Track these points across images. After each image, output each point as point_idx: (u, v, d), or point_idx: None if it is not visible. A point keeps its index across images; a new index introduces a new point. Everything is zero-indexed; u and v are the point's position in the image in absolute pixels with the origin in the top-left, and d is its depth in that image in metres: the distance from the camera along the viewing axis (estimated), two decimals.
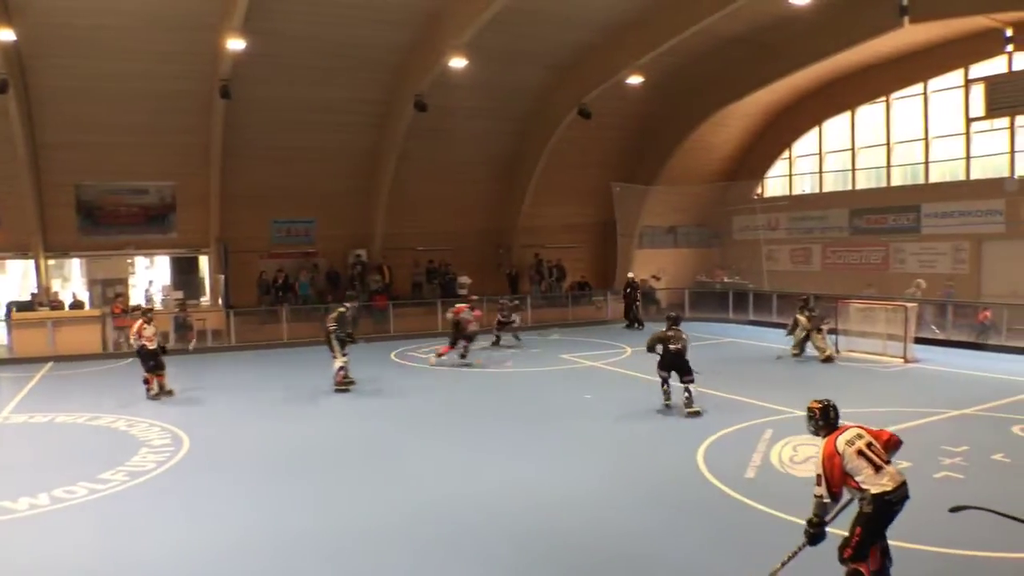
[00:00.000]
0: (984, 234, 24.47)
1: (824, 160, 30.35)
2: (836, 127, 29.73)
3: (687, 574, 7.14)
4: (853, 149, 29.12)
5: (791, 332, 19.80)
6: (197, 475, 10.40)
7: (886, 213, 27.52)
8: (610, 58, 24.53)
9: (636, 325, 26.48)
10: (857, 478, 6.01)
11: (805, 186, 31.21)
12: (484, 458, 11.03)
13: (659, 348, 13.89)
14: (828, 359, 18.77)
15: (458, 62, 21.91)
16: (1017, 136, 23.88)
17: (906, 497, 6.01)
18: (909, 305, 19.39)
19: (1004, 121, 24.11)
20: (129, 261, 26.38)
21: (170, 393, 15.93)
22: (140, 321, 16.09)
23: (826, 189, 30.29)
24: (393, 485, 9.78)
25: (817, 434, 6.51)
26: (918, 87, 26.49)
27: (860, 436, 6.23)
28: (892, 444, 6.36)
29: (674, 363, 13.73)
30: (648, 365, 18.19)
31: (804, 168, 31.27)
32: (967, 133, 25.21)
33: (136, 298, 25.25)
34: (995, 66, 23.95)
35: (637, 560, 7.36)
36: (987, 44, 23.01)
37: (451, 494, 9.33)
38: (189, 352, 17.02)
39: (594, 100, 25.57)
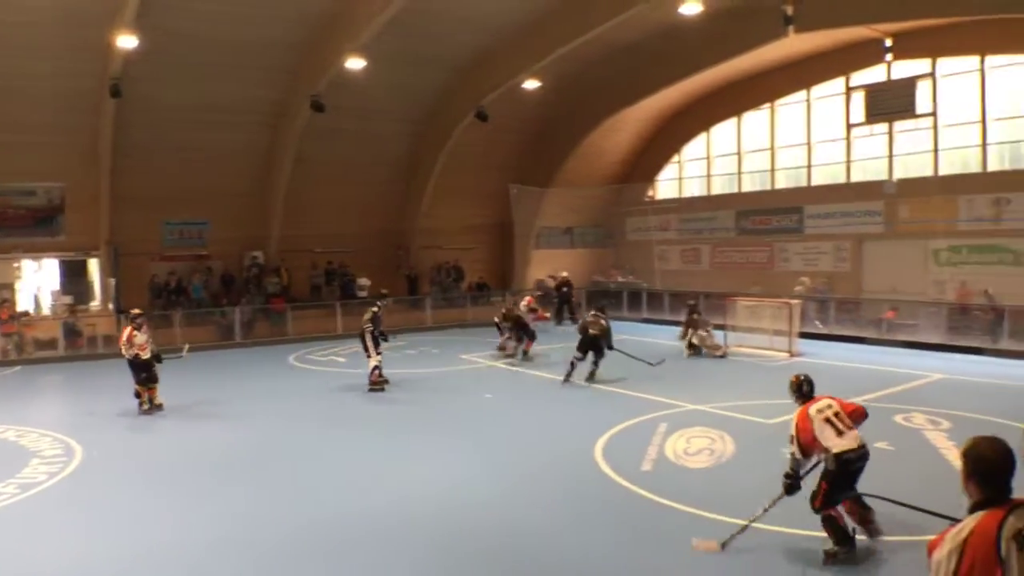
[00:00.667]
0: (864, 234, 25.69)
1: (712, 164, 31.33)
2: (724, 132, 30.73)
3: (590, 569, 7.26)
4: (740, 153, 30.16)
5: (684, 337, 20.46)
6: (90, 486, 10.06)
7: (771, 214, 28.61)
8: (508, 62, 24.82)
9: (570, 321, 26.97)
10: (823, 441, 7.14)
11: (694, 189, 32.14)
12: (385, 462, 10.98)
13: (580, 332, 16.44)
14: (722, 355, 19.47)
15: (356, 63, 21.81)
16: (895, 141, 25.17)
17: (865, 457, 7.24)
18: (793, 302, 20.25)
19: (883, 126, 25.38)
20: (16, 265, 25.23)
21: (159, 407, 14.55)
22: (129, 328, 14.62)
23: (714, 192, 31.28)
24: (292, 492, 9.62)
25: (796, 403, 7.67)
26: (802, 94, 27.65)
27: (830, 407, 7.40)
28: (858, 415, 7.56)
29: (591, 345, 16.19)
30: (545, 364, 18.62)
31: (693, 171, 32.19)
32: (848, 138, 26.43)
33: (24, 303, 24.24)
34: (875, 74, 25.21)
35: (542, 558, 7.46)
36: (868, 53, 24.12)
37: (350, 500, 9.25)
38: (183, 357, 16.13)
39: (492, 103, 25.81)
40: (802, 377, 7.84)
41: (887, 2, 21.08)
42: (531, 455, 11.01)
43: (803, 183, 28.00)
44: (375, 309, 16.62)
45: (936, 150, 24.06)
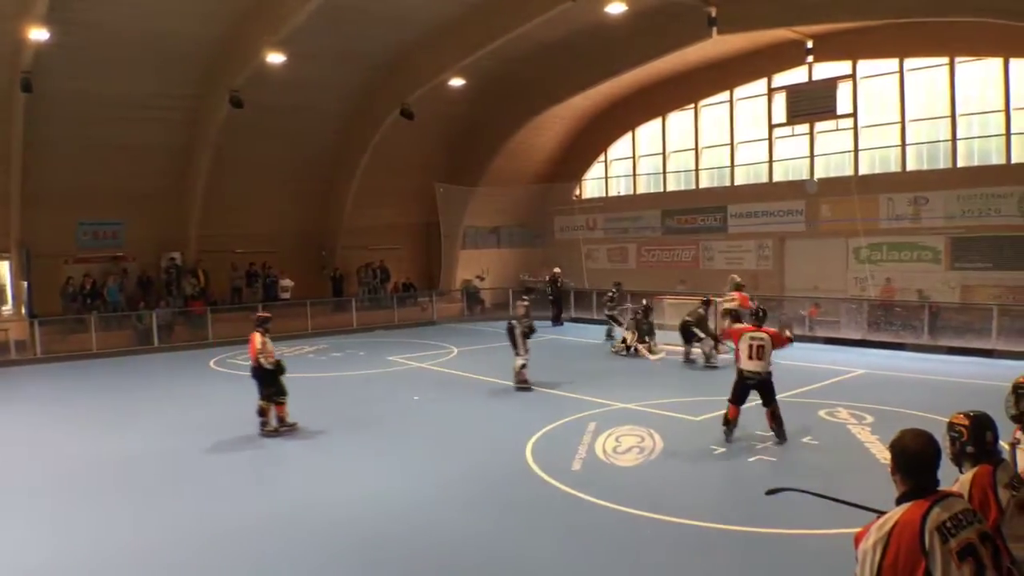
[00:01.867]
0: (786, 232, 26.15)
1: (638, 163, 31.55)
2: (649, 132, 30.97)
3: (521, 570, 7.16)
4: (664, 153, 30.42)
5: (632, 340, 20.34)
6: None
7: (695, 213, 28.92)
8: (432, 59, 24.53)
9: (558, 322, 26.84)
10: (739, 354, 11.07)
11: (620, 188, 32.34)
12: (309, 468, 10.69)
13: None
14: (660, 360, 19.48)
15: (276, 58, 21.31)
16: (816, 141, 25.64)
17: (758, 381, 10.84)
18: (718, 299, 20.36)
19: (804, 127, 25.85)
20: None
21: (293, 427, 12.48)
22: (257, 333, 12.43)
23: (640, 191, 31.52)
24: (208, 502, 9.25)
25: (749, 318, 11.88)
26: (725, 95, 28.01)
27: (761, 339, 10.92)
28: (780, 342, 11.09)
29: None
30: (474, 365, 18.44)
31: (619, 171, 32.40)
32: (770, 138, 26.86)
33: None
34: (796, 76, 25.70)
35: (472, 561, 7.33)
36: (789, 55, 24.52)
37: (270, 508, 8.93)
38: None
39: (417, 101, 25.50)
40: (762, 309, 11.93)
41: (808, 5, 21.49)
42: (460, 457, 10.83)
43: (727, 183, 28.37)
44: (526, 303, 16.36)
45: (856, 150, 24.63)
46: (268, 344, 12.39)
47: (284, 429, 12.35)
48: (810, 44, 23.52)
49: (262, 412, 12.32)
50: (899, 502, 3.26)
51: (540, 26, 22.07)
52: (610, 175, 32.65)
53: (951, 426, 4.09)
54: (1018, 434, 5.05)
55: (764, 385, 10.86)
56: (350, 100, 26.56)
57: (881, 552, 3.12)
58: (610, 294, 22.59)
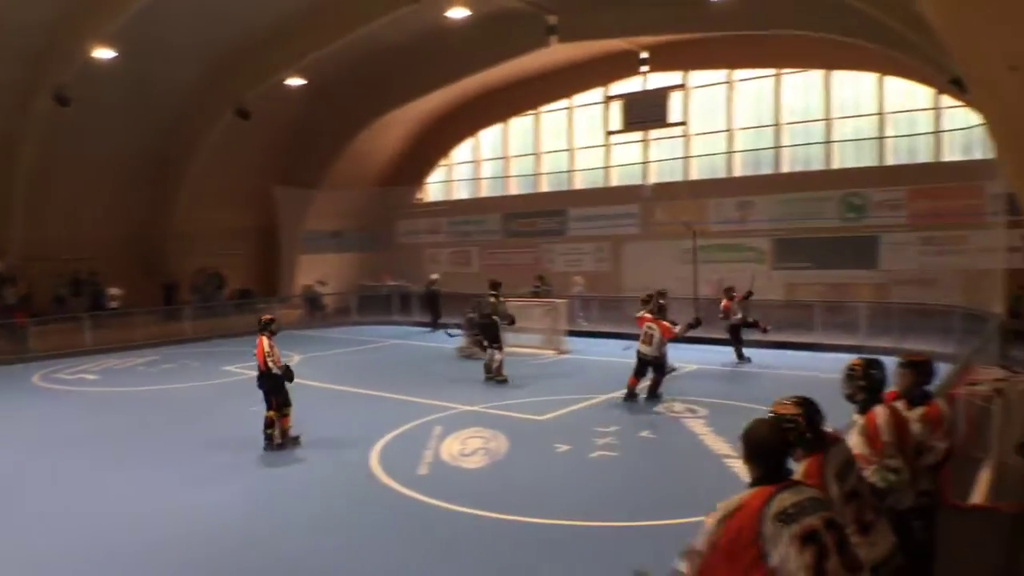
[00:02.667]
0: (623, 235, 27.05)
1: (480, 167, 31.85)
2: (491, 136, 31.36)
3: (361, 574, 7.10)
4: (506, 157, 30.87)
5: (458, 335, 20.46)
6: None
7: (536, 217, 29.47)
8: (270, 58, 23.97)
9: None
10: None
11: (463, 192, 32.55)
12: (145, 484, 10.09)
13: None
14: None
15: (104, 53, 20.32)
16: (650, 148, 26.64)
17: (651, 360, 13.46)
18: (558, 301, 20.85)
19: (639, 134, 26.82)
20: None
21: (297, 440, 11.57)
22: (264, 336, 11.57)
23: (482, 195, 31.86)
24: (24, 524, 8.69)
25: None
26: (564, 101, 28.72)
27: (649, 327, 13.50)
28: (666, 334, 13.33)
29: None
30: (317, 372, 18.03)
31: (462, 175, 32.61)
32: (607, 144, 27.73)
33: None
34: (631, 85, 26.68)
35: (321, 572, 7.20)
36: (625, 65, 25.26)
37: (92, 529, 8.40)
38: None
39: (254, 100, 24.85)
40: (661, 304, 14.09)
41: (643, 17, 22.24)
42: (304, 468, 10.56)
43: (565, 187, 29.05)
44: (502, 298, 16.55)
45: (687, 157, 25.76)
46: (275, 349, 11.56)
47: (289, 441, 11.50)
48: (644, 55, 24.32)
49: (269, 424, 11.43)
50: (750, 487, 3.37)
51: (381, 28, 22.03)
52: (453, 178, 32.82)
53: (781, 417, 4.07)
54: (855, 415, 5.37)
55: (656, 365, 13.66)
56: (184, 99, 25.51)
57: (721, 530, 3.22)
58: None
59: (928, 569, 5.46)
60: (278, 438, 11.44)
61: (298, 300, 30.37)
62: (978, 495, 7.76)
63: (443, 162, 32.83)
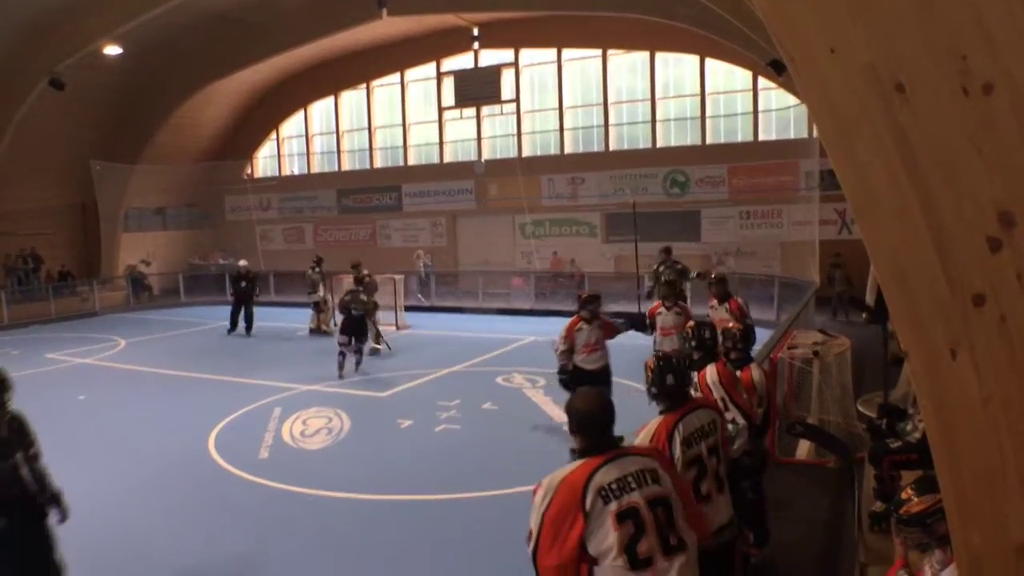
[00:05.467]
0: (458, 211, 27.26)
1: (312, 142, 31.24)
2: (322, 109, 30.77)
3: (217, 567, 6.94)
4: (338, 132, 30.39)
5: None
6: None
7: (371, 193, 29.23)
8: (85, 25, 22.49)
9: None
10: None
11: (294, 167, 31.87)
12: None
13: None
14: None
15: None
16: (483, 124, 26.89)
17: (597, 374, 9.52)
18: (396, 277, 20.83)
19: (472, 110, 26.99)
20: None
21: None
22: None
23: (314, 171, 31.26)
24: None
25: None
26: (397, 76, 28.48)
27: (592, 332, 9.97)
28: (609, 331, 9.99)
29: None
30: (145, 357, 17.37)
31: (293, 149, 31.92)
32: (440, 120, 27.75)
33: None
34: (464, 61, 26.78)
35: (163, 564, 6.96)
36: (457, 41, 25.31)
37: None
38: None
39: (68, 70, 23.36)
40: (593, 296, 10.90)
41: None
42: (137, 459, 9.98)
43: (400, 163, 28.93)
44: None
45: (519, 133, 26.17)
46: None
47: None
48: (476, 31, 24.49)
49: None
50: (578, 458, 3.32)
51: None
52: (284, 153, 32.08)
53: (647, 367, 4.44)
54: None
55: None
56: None
57: (548, 503, 3.16)
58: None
59: (762, 526, 5.91)
60: None
61: (121, 281, 28.93)
62: (803, 451, 8.46)
63: (272, 136, 31.98)
